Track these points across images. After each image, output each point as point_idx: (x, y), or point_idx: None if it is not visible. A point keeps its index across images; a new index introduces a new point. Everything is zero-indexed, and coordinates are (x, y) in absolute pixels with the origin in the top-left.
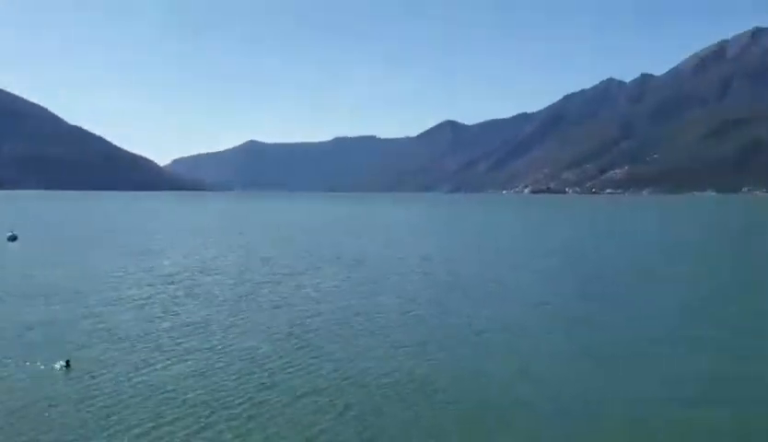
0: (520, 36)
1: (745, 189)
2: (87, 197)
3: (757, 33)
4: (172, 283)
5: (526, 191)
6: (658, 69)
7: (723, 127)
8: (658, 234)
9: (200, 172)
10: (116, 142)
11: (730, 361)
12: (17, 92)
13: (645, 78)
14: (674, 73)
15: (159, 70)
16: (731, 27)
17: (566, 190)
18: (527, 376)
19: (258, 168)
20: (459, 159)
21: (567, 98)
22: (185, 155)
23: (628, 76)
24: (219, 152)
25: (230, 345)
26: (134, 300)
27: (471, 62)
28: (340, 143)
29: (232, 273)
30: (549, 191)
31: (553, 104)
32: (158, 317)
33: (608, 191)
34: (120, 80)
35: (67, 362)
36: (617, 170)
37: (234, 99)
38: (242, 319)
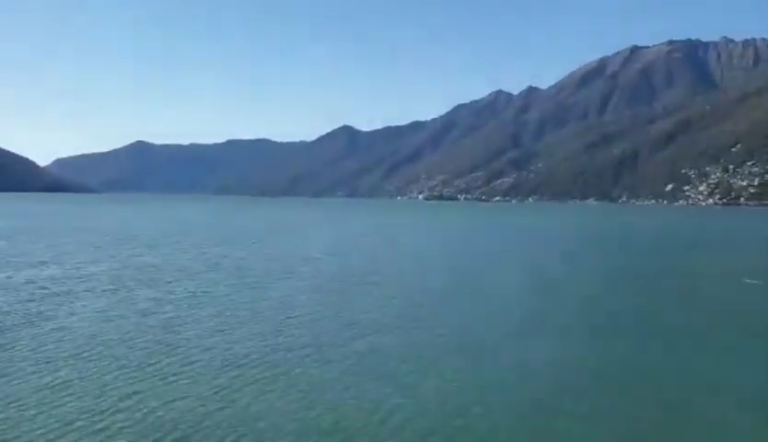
0: (417, 46)
1: (623, 198)
2: None
3: (635, 51)
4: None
5: (420, 197)
6: (545, 82)
7: (602, 139)
8: (558, 238)
9: (84, 173)
10: None
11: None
12: None
13: (532, 91)
14: (558, 86)
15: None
16: (612, 44)
17: (458, 197)
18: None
19: (147, 170)
20: (355, 164)
21: (459, 107)
22: (68, 155)
23: (516, 89)
24: (104, 153)
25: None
26: None
27: (368, 68)
28: (233, 145)
29: (98, 282)
30: (442, 198)
31: (446, 113)
32: None
33: (496, 198)
34: None
35: None
36: (505, 179)
37: (120, 98)
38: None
